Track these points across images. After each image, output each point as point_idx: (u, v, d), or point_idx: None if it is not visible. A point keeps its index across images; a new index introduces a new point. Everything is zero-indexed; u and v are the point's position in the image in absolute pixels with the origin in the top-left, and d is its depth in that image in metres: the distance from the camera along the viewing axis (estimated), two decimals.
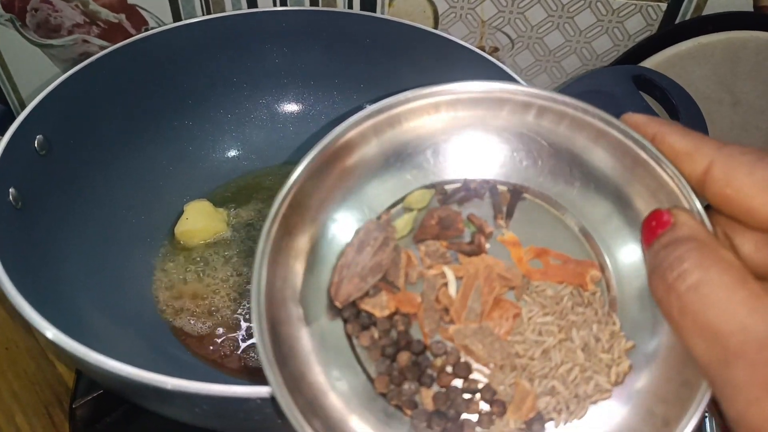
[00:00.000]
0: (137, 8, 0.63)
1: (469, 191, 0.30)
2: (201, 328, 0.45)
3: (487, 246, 0.29)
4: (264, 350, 0.25)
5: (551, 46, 0.65)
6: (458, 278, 0.29)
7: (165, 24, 0.63)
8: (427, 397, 0.27)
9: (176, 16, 0.63)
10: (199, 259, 0.50)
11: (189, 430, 0.42)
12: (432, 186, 0.30)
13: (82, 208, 0.45)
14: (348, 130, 0.28)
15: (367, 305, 0.28)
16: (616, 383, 0.26)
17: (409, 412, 0.27)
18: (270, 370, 0.24)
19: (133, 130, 0.51)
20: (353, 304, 0.28)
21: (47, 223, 0.41)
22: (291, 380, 0.25)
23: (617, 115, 0.27)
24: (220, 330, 0.45)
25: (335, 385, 0.27)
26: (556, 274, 0.28)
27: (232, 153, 0.57)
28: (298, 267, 0.28)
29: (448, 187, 0.30)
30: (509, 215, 0.30)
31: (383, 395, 0.27)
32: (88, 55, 0.68)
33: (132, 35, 0.66)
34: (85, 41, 0.67)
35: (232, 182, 0.56)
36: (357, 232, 0.29)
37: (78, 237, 0.44)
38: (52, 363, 0.46)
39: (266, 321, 0.26)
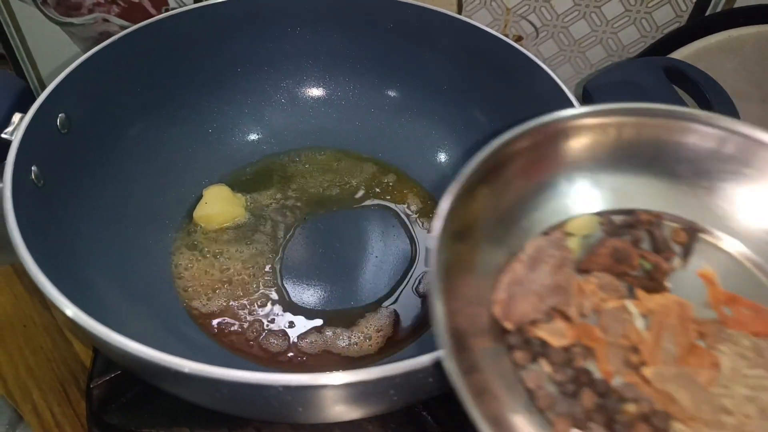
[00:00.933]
0: None
1: (638, 224, 0.27)
2: (217, 311, 0.45)
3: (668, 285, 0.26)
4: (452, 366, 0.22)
5: (576, 35, 0.63)
6: (641, 315, 0.25)
7: (186, 4, 0.62)
8: None
9: None
10: (217, 242, 0.50)
11: (204, 412, 0.42)
12: (599, 214, 0.28)
13: (102, 187, 0.45)
14: (507, 143, 0.26)
15: (542, 331, 0.24)
16: None
17: None
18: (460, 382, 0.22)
19: (153, 110, 0.50)
20: (520, 329, 0.25)
21: (68, 201, 0.41)
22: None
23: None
24: (237, 314, 0.45)
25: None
26: (754, 323, 0.25)
27: (252, 136, 0.56)
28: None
29: (616, 218, 0.28)
30: (687, 254, 0.27)
31: None
32: (108, 34, 0.67)
33: (152, 15, 0.65)
34: (105, 20, 0.66)
35: (251, 165, 0.55)
36: (525, 247, 0.26)
37: (98, 216, 0.44)
38: (69, 341, 0.46)
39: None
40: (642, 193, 0.28)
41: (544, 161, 0.28)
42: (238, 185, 0.53)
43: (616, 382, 0.24)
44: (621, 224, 0.28)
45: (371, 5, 0.54)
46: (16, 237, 0.33)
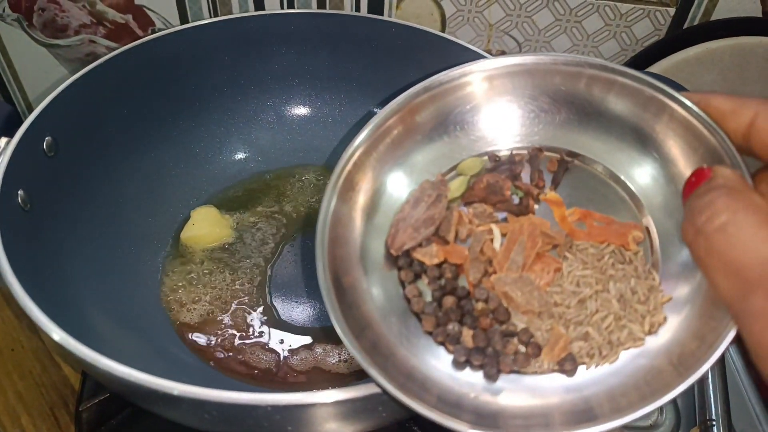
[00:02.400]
0: (144, 9, 0.63)
1: (517, 158, 0.33)
2: (207, 331, 0.45)
3: (536, 208, 0.32)
4: (329, 298, 0.30)
5: (558, 50, 0.64)
6: (504, 235, 0.31)
7: (172, 25, 0.63)
8: (467, 336, 0.29)
9: (183, 18, 0.63)
10: (205, 262, 0.50)
11: (193, 430, 0.42)
12: (484, 154, 0.34)
13: (88, 210, 0.45)
14: (401, 104, 0.33)
15: (418, 254, 0.31)
16: (650, 333, 0.28)
17: (451, 348, 0.30)
18: (335, 316, 0.29)
19: (140, 131, 0.51)
20: (407, 254, 0.32)
21: (54, 224, 0.41)
22: (355, 326, 0.30)
23: None
24: (226, 333, 0.45)
25: (390, 328, 0.30)
26: (600, 234, 0.30)
27: (239, 155, 0.57)
28: (358, 221, 0.32)
29: (502, 155, 0.33)
30: (555, 181, 0.33)
31: (429, 333, 0.30)
32: (95, 55, 0.68)
33: (139, 36, 0.65)
34: (92, 41, 0.67)
35: (239, 184, 0.56)
36: (412, 191, 0.33)
37: (84, 239, 0.44)
38: (58, 365, 0.46)
39: (329, 272, 0.31)
40: (525, 133, 0.34)
41: (433, 117, 0.34)
42: (225, 204, 0.54)
43: (476, 289, 0.30)
44: (503, 161, 0.33)
45: (356, 25, 0.54)
46: (3, 262, 0.33)
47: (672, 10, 0.60)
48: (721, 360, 0.29)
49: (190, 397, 0.28)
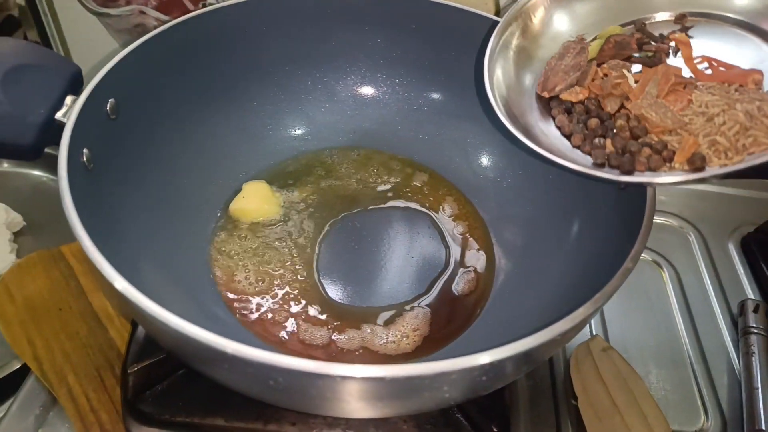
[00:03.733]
0: None
1: (645, 25, 0.39)
2: (254, 303, 0.45)
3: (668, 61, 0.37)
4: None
5: None
6: (637, 81, 0.37)
7: None
8: (608, 145, 0.36)
9: None
10: (254, 235, 0.50)
11: (238, 403, 0.42)
12: (630, 23, 0.40)
13: (145, 174, 0.45)
14: None
15: (565, 95, 0.39)
16: None
17: (591, 152, 0.36)
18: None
19: (196, 102, 0.50)
20: (556, 98, 0.39)
21: (114, 186, 0.41)
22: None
23: None
24: (273, 307, 0.45)
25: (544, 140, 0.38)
26: (722, 76, 0.35)
27: (290, 131, 0.57)
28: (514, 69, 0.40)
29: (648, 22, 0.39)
30: (684, 30, 0.38)
31: (578, 147, 0.37)
32: (143, 26, 0.68)
33: (189, 9, 0.65)
34: (142, 12, 0.67)
35: (289, 160, 0.55)
36: (560, 48, 0.40)
37: (141, 202, 0.44)
38: (105, 327, 0.46)
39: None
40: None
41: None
42: (274, 179, 0.54)
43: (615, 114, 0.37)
44: (633, 27, 0.40)
45: (414, 6, 0.54)
46: (72, 215, 0.33)
47: None
48: None
49: (262, 362, 0.27)
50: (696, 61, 0.37)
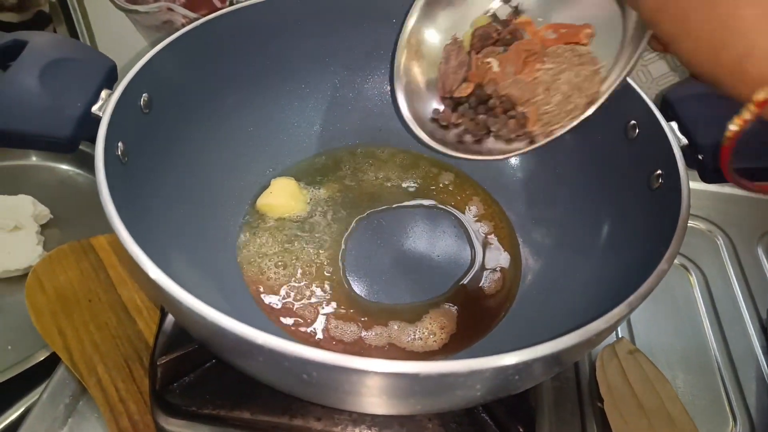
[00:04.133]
0: None
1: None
2: (281, 298, 0.46)
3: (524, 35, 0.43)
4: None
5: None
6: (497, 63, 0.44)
7: None
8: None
9: None
10: (281, 231, 0.50)
11: (265, 397, 0.43)
12: (487, 12, 0.46)
13: (176, 168, 0.45)
14: None
15: (456, 93, 0.44)
16: (590, 104, 0.39)
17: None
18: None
19: (226, 96, 0.51)
20: (450, 97, 0.45)
21: (146, 179, 0.42)
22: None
23: None
24: (300, 302, 0.46)
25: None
26: (564, 37, 0.41)
27: (319, 128, 0.57)
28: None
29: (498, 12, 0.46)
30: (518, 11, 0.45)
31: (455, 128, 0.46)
32: (171, 23, 0.68)
33: (216, 7, 0.66)
34: (170, 9, 0.67)
35: (315, 157, 0.56)
36: (442, 53, 0.46)
37: (171, 195, 0.44)
38: (133, 319, 0.46)
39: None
40: None
41: None
42: (302, 176, 0.54)
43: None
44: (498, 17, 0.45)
45: None
46: (110, 207, 0.33)
47: None
48: None
49: (297, 355, 0.27)
50: (542, 30, 0.43)
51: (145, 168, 0.42)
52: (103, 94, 0.40)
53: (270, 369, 0.32)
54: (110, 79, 0.42)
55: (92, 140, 0.37)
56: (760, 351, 0.51)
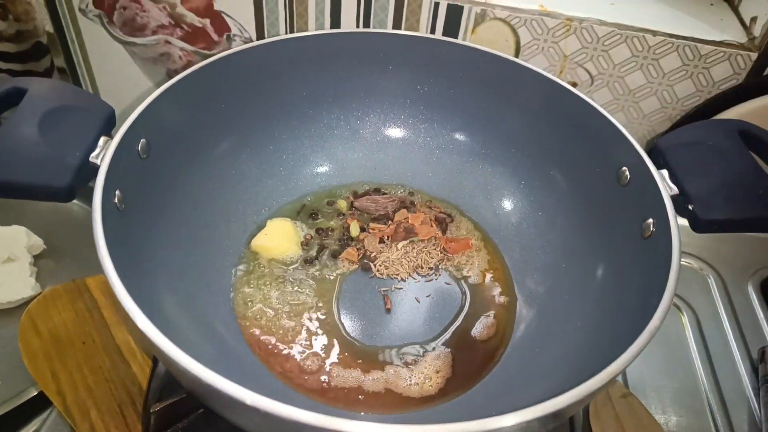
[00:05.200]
0: (222, 15, 0.64)
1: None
2: (274, 341, 0.46)
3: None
4: None
5: (632, 86, 0.64)
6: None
7: (247, 32, 0.64)
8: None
9: (259, 26, 0.64)
10: (275, 272, 0.50)
11: None
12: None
13: (172, 212, 0.46)
14: None
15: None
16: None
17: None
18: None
19: (222, 138, 0.51)
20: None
21: (142, 225, 0.42)
22: None
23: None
24: (295, 348, 0.46)
25: None
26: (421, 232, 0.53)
27: (315, 168, 0.57)
28: None
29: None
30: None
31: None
32: (168, 55, 0.69)
33: (214, 41, 0.67)
34: (167, 42, 0.68)
35: (312, 196, 0.56)
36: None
37: (166, 240, 0.44)
38: (127, 362, 0.46)
39: None
40: None
41: None
42: (297, 215, 0.54)
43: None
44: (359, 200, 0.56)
45: (433, 47, 0.55)
46: (104, 256, 0.33)
47: (754, 55, 0.59)
48: None
49: (282, 416, 0.27)
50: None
51: (141, 213, 0.42)
52: (101, 141, 0.40)
53: (257, 425, 0.32)
54: (109, 125, 0.42)
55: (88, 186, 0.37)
56: (751, 392, 0.51)
